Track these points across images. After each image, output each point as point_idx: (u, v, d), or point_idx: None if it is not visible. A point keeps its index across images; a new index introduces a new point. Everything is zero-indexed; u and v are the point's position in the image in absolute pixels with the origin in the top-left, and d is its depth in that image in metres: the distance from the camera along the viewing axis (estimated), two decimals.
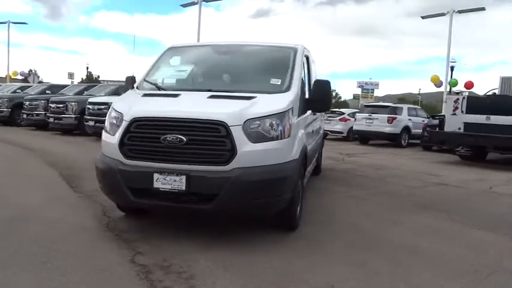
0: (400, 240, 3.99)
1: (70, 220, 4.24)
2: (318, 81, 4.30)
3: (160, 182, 3.42)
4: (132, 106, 3.78)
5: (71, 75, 42.75)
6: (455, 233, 4.38)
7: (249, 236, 3.88)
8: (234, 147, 3.33)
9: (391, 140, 15.73)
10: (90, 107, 13.10)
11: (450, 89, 22.63)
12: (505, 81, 13.03)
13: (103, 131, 3.97)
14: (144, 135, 3.53)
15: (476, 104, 10.93)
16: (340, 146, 14.54)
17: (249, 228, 4.10)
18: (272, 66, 4.61)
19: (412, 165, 10.21)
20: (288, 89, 4.07)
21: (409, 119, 15.96)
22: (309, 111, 4.66)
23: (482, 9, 21.53)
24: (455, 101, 11.19)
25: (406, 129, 15.74)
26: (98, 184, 3.99)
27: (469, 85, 22.30)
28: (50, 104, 14.76)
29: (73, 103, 14.30)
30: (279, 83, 4.20)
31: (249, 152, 3.37)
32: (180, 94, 3.94)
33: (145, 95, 4.07)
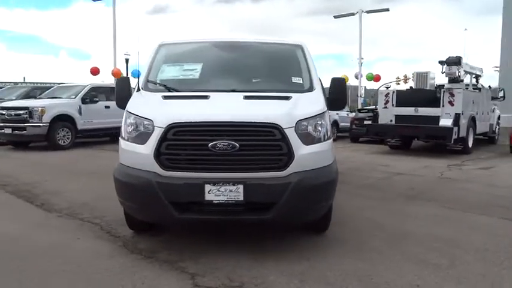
0: (427, 232, 4.15)
1: (77, 247, 3.63)
2: (335, 80, 4.27)
3: (214, 194, 3.08)
4: (163, 110, 3.35)
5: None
6: (462, 219, 4.70)
7: (288, 242, 3.71)
8: (290, 151, 3.14)
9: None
10: (3, 112, 11.41)
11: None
12: (419, 76, 14.41)
13: (121, 139, 3.45)
14: (187, 143, 3.15)
15: (404, 97, 11.96)
16: None
17: (279, 233, 3.92)
18: (284, 64, 4.45)
19: (357, 158, 10.79)
20: (311, 88, 3.97)
21: (337, 113, 16.85)
22: None
23: (387, 10, 23.69)
24: (386, 95, 12.10)
25: (335, 123, 16.59)
26: (119, 201, 3.46)
27: (377, 78, 24.35)
28: None
29: None
30: (301, 82, 4.08)
31: (304, 156, 3.21)
32: (209, 96, 3.59)
33: (166, 97, 3.63)
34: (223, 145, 3.07)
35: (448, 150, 11.28)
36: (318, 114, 3.45)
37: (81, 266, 3.17)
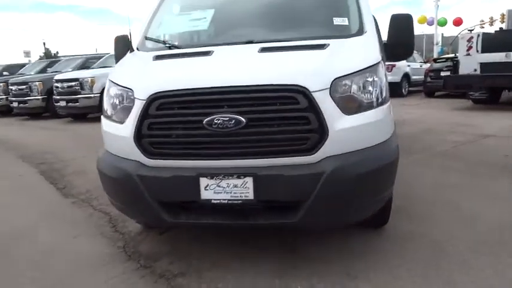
0: None
1: (68, 250, 2.99)
2: (396, 17, 3.05)
3: (213, 191, 2.18)
4: (146, 76, 2.47)
5: (27, 54, 39.41)
6: None
7: (329, 245, 2.75)
8: (323, 125, 2.12)
9: (392, 90, 14.68)
10: (58, 85, 11.43)
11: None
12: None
13: (102, 117, 2.65)
14: (175, 120, 2.25)
15: (492, 41, 9.91)
16: None
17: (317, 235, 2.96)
18: (323, 0, 3.30)
19: (433, 116, 9.23)
20: (361, 30, 2.80)
21: (408, 65, 14.91)
22: None
23: None
24: (469, 40, 10.11)
25: (406, 76, 14.71)
26: (105, 195, 2.72)
27: (457, 22, 21.33)
28: (11, 87, 12.91)
29: (37, 83, 12.50)
30: (346, 23, 2.93)
31: (345, 131, 2.16)
32: (213, 51, 2.62)
33: (158, 57, 2.72)
34: (223, 121, 2.12)
35: None
36: (368, 68, 2.33)
37: (58, 283, 2.51)
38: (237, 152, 2.17)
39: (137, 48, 3.09)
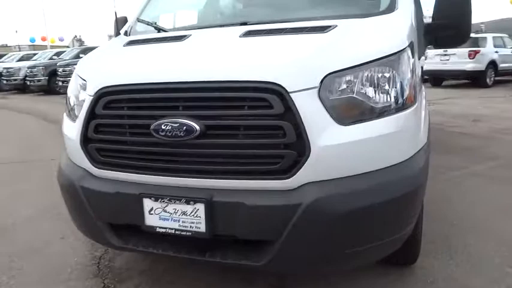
0: None
1: (44, 253, 2.71)
2: None
3: (158, 216, 1.70)
4: (105, 65, 2.03)
5: (110, 37, 41.64)
6: None
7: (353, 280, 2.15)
8: (302, 139, 1.52)
9: (474, 79, 13.01)
10: (60, 69, 14.04)
11: None
12: None
13: (64, 114, 2.27)
14: (122, 123, 1.78)
15: None
16: None
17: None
18: None
19: None
20: (392, 6, 2.09)
21: (496, 52, 13.04)
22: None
23: None
24: None
25: (492, 64, 12.88)
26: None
27: None
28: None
29: (40, 67, 15.73)
30: None
31: (337, 148, 1.54)
32: (190, 35, 2.10)
33: (130, 42, 2.26)
34: (172, 127, 1.61)
35: None
36: (383, 58, 1.66)
37: None
38: (187, 168, 1.66)
39: (126, 32, 2.67)
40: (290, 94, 1.53)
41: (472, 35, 14.39)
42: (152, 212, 1.69)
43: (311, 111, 1.53)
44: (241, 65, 1.65)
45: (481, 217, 2.96)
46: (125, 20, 2.99)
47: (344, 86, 1.61)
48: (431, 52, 13.68)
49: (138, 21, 2.68)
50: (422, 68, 2.92)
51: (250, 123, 1.56)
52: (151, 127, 1.64)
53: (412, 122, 1.72)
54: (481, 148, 5.03)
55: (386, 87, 1.66)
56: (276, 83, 1.54)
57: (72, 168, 1.98)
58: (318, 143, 1.52)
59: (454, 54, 12.87)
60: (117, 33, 2.72)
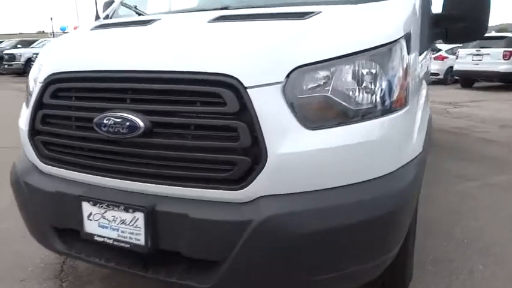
0: None
1: (25, 250, 2.57)
2: None
3: (97, 223, 1.48)
4: (59, 50, 1.83)
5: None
6: None
7: None
8: (258, 143, 1.27)
9: (508, 82, 12.25)
10: (34, 56, 13.92)
11: None
12: None
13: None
14: (68, 114, 1.57)
15: None
16: (438, 92, 11.48)
17: None
18: None
19: None
20: None
21: None
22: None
23: None
24: None
25: None
26: None
27: None
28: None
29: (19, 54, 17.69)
30: None
31: (300, 156, 1.28)
32: (159, 19, 1.87)
33: (98, 26, 2.04)
34: (115, 122, 1.39)
35: None
36: (367, 51, 1.38)
37: None
38: (130, 170, 1.43)
39: (107, 16, 2.46)
40: (247, 89, 1.28)
41: (508, 34, 13.62)
42: (91, 218, 1.48)
43: (271, 111, 1.28)
44: (195, 54, 1.40)
45: (494, 239, 2.62)
46: (110, 3, 2.79)
47: (317, 83, 1.34)
48: (462, 51, 13.00)
49: (122, 4, 2.48)
50: (427, 65, 2.49)
51: (201, 123, 1.32)
52: (94, 121, 1.43)
53: (399, 128, 1.44)
54: (504, 157, 4.61)
55: (370, 85, 1.38)
56: (231, 76, 1.29)
57: (23, 162, 1.79)
58: (277, 149, 1.27)
59: (487, 54, 12.17)
60: (97, 17, 2.52)
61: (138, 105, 1.39)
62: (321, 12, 1.59)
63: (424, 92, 1.85)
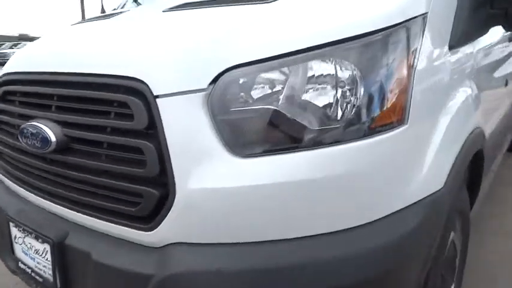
0: None
1: None
2: None
3: (21, 248, 1.29)
4: (26, 48, 1.69)
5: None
6: None
7: None
8: (165, 172, 0.94)
9: None
10: None
11: None
12: None
13: None
14: (6, 120, 1.40)
15: None
16: None
17: None
18: None
19: None
20: None
21: None
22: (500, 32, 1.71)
23: None
24: None
25: None
26: None
27: None
28: None
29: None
30: None
31: (221, 194, 0.92)
32: (126, 11, 1.62)
33: (79, 22, 1.87)
34: (32, 133, 1.16)
35: None
36: (340, 42, 0.95)
37: None
38: (47, 189, 1.21)
39: (114, 10, 2.29)
40: (156, 99, 0.95)
41: None
42: (17, 241, 1.30)
43: (185, 129, 0.94)
44: (116, 52, 1.11)
45: None
46: None
47: (259, 91, 0.96)
48: None
49: None
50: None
51: (111, 140, 1.03)
52: (21, 127, 1.23)
53: (390, 156, 0.99)
54: None
55: (343, 95, 0.96)
56: (140, 80, 0.97)
57: None
58: (188, 182, 0.92)
59: None
60: (103, 11, 2.37)
61: (57, 114, 1.15)
62: None
63: (464, 97, 1.30)
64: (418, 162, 1.05)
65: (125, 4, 2.27)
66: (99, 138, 1.05)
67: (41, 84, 1.25)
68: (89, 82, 1.07)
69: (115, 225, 1.04)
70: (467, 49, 1.36)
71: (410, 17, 1.04)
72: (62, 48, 1.37)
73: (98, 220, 1.08)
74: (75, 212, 1.13)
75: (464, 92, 1.32)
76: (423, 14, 1.08)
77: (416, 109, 1.02)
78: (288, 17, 1.06)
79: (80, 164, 1.08)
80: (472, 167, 1.53)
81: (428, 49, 1.09)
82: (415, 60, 1.03)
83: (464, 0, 1.27)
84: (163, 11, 1.35)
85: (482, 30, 1.44)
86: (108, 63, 1.07)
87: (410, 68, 1.02)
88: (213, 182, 0.92)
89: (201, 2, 1.35)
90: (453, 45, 1.22)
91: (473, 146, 1.34)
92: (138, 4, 2.09)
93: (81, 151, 1.10)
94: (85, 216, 1.11)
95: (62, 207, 1.17)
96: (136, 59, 1.03)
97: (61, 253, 1.12)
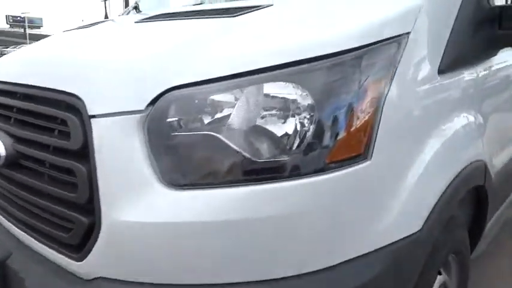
0: None
1: None
2: None
3: None
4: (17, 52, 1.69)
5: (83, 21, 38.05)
6: None
7: None
8: (92, 199, 0.86)
9: None
10: None
11: None
12: None
13: None
14: None
15: None
16: None
17: None
18: None
19: None
20: None
21: None
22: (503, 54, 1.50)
23: None
24: None
25: None
26: None
27: None
28: None
29: None
30: None
31: (149, 228, 0.83)
32: (103, 22, 1.59)
33: (72, 29, 1.85)
34: None
35: None
36: (293, 64, 0.84)
37: None
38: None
39: (135, 8, 2.26)
40: (91, 119, 0.88)
41: None
42: None
43: (115, 153, 0.85)
44: (65, 65, 1.06)
45: None
46: None
47: (201, 115, 0.86)
48: None
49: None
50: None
51: (50, 159, 0.97)
52: None
53: (346, 196, 0.86)
54: None
55: (298, 123, 0.84)
56: (77, 97, 0.91)
57: None
58: (114, 213, 0.84)
59: None
60: (106, 17, 2.35)
61: (10, 127, 1.11)
62: (271, 5, 1.08)
63: (457, 127, 1.13)
64: (383, 203, 0.91)
65: (130, 11, 2.25)
66: (40, 156, 0.99)
67: (4, 95, 1.21)
68: (36, 95, 1.02)
69: (51, 250, 0.98)
70: (466, 73, 1.20)
71: (385, 38, 0.91)
72: (30, 58, 1.34)
73: (38, 243, 1.02)
74: (20, 231, 1.08)
75: (459, 122, 1.16)
76: (402, 35, 0.95)
77: (385, 143, 0.89)
78: (248, 33, 0.97)
79: (23, 181, 1.03)
80: (474, 205, 1.36)
81: (407, 75, 0.96)
82: (386, 88, 0.90)
83: (462, 19, 1.12)
84: (135, 22, 1.29)
85: (489, 52, 1.27)
86: (56, 76, 1.02)
87: (380, 96, 0.89)
88: (140, 215, 0.83)
89: (174, 13, 1.28)
90: (444, 70, 1.07)
91: (468, 182, 1.18)
92: (138, 12, 2.05)
93: (28, 168, 1.05)
94: (28, 236, 1.05)
95: (10, 224, 1.13)
96: (79, 73, 0.97)
97: (2, 273, 1.07)
